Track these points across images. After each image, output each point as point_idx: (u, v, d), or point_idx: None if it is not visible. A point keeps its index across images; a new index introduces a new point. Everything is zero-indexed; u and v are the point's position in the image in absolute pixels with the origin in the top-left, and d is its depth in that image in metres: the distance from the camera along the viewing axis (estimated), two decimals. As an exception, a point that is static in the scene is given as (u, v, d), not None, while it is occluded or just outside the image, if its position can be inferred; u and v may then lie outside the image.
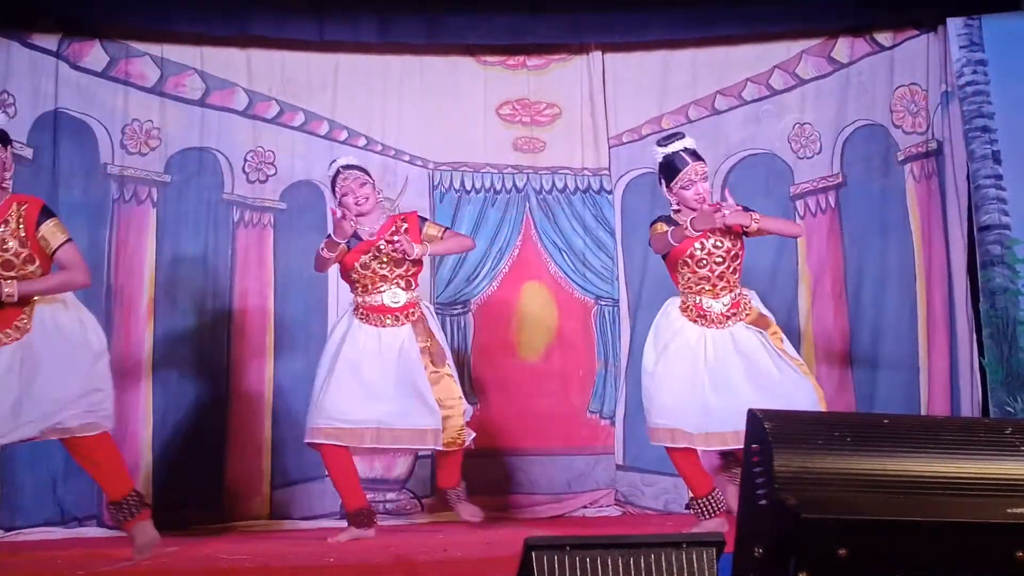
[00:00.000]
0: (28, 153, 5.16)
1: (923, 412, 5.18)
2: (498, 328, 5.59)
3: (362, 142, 5.58)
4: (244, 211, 5.43)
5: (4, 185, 3.84)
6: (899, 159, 5.50)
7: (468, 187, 5.63)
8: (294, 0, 5.36)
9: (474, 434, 4.57)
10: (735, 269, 4.37)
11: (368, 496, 5.29)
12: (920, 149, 5.46)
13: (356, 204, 4.47)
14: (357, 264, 4.46)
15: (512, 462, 5.48)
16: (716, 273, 4.33)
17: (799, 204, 5.59)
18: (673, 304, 4.43)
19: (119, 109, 5.31)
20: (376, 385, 4.40)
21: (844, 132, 5.56)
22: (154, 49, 5.38)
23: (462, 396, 4.51)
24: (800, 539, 1.86)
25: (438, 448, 4.46)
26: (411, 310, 4.50)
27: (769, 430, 1.97)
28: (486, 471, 5.42)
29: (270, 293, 5.44)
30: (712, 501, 4.30)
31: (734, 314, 4.35)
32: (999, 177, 5.06)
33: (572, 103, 5.72)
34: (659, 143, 4.46)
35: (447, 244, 4.64)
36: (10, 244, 3.75)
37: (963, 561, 1.91)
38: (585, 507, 5.45)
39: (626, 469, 5.53)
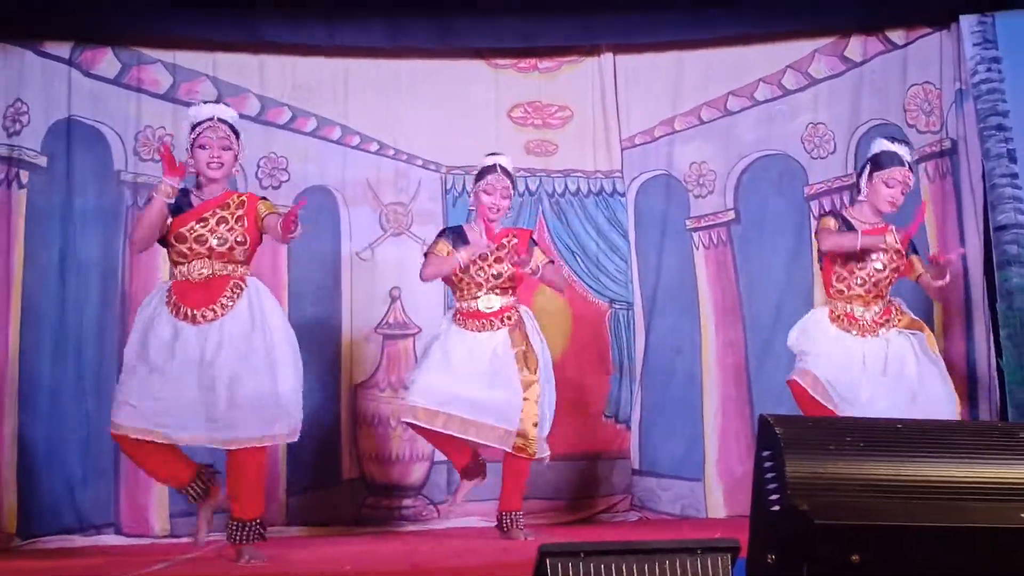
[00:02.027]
0: (42, 161, 5.18)
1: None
2: (512, 332, 5.56)
3: (374, 147, 5.58)
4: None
5: (236, 173, 4.17)
6: (913, 158, 5.45)
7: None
8: (305, 5, 5.37)
9: (548, 453, 4.55)
10: (891, 282, 4.40)
11: (383, 503, 5.35)
12: (934, 148, 5.42)
13: (491, 210, 4.52)
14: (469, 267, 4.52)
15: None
16: (872, 281, 4.35)
17: (813, 204, 5.56)
18: (822, 312, 4.44)
19: (132, 116, 5.33)
20: (462, 375, 4.45)
21: (858, 131, 5.52)
22: (166, 56, 5.39)
23: (541, 410, 4.47)
24: (813, 545, 1.85)
25: (506, 449, 4.45)
26: (507, 314, 4.55)
27: (780, 435, 1.96)
28: (500, 478, 5.42)
29: (284, 299, 5.43)
30: None
31: (887, 321, 4.36)
32: (1015, 176, 5.02)
33: (584, 105, 5.71)
34: (888, 137, 4.53)
35: (555, 277, 4.73)
36: (232, 235, 3.94)
37: (977, 567, 1.89)
38: (601, 512, 5.44)
39: (642, 474, 5.51)
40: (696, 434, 5.52)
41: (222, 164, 3.97)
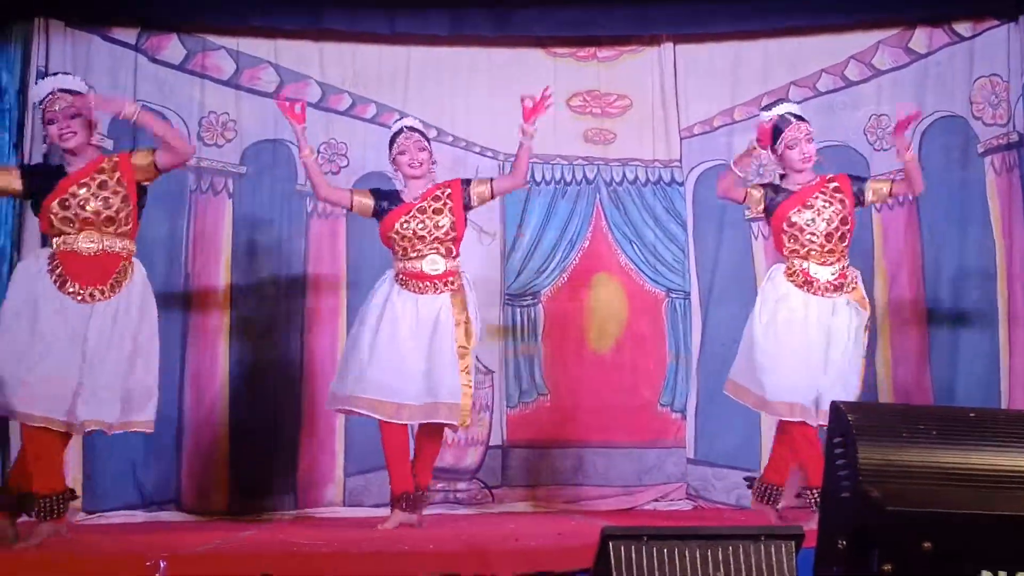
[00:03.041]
0: (108, 144, 5.23)
1: (1003, 407, 5.08)
2: (568, 320, 5.59)
3: (432, 133, 5.56)
4: (317, 202, 5.47)
5: (95, 142, 4.00)
6: (979, 151, 5.39)
7: (538, 179, 5.62)
8: (366, -7, 5.42)
9: (468, 424, 4.51)
10: (844, 236, 4.34)
11: (439, 485, 5.39)
12: (1001, 141, 5.34)
13: (409, 165, 4.47)
14: (397, 225, 4.45)
15: (582, 454, 5.47)
16: (824, 236, 4.29)
17: (875, 197, 5.49)
18: (778, 270, 4.41)
19: (196, 101, 5.41)
20: (409, 359, 4.37)
21: (923, 124, 5.44)
22: (230, 42, 5.47)
23: (471, 380, 4.43)
24: (884, 531, 1.84)
25: (452, 423, 4.42)
26: (450, 278, 4.46)
27: (853, 422, 1.95)
28: (556, 463, 5.44)
29: (342, 283, 5.49)
30: None
31: (840, 285, 4.32)
32: (1082, 170, 4.94)
33: (643, 94, 5.69)
34: (762, 108, 4.50)
35: (502, 183, 4.65)
36: (112, 201, 3.87)
37: (1051, 556, 1.88)
38: (656, 500, 5.44)
39: (697, 463, 5.50)
40: (752, 424, 5.48)
41: (75, 132, 3.89)
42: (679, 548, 2.38)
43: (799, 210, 4.31)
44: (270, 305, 5.41)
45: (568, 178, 5.67)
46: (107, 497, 5.05)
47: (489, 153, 5.65)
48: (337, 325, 5.43)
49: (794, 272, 4.34)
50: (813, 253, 4.31)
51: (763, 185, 4.44)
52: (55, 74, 4.25)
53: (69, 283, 3.84)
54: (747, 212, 5.57)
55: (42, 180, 3.92)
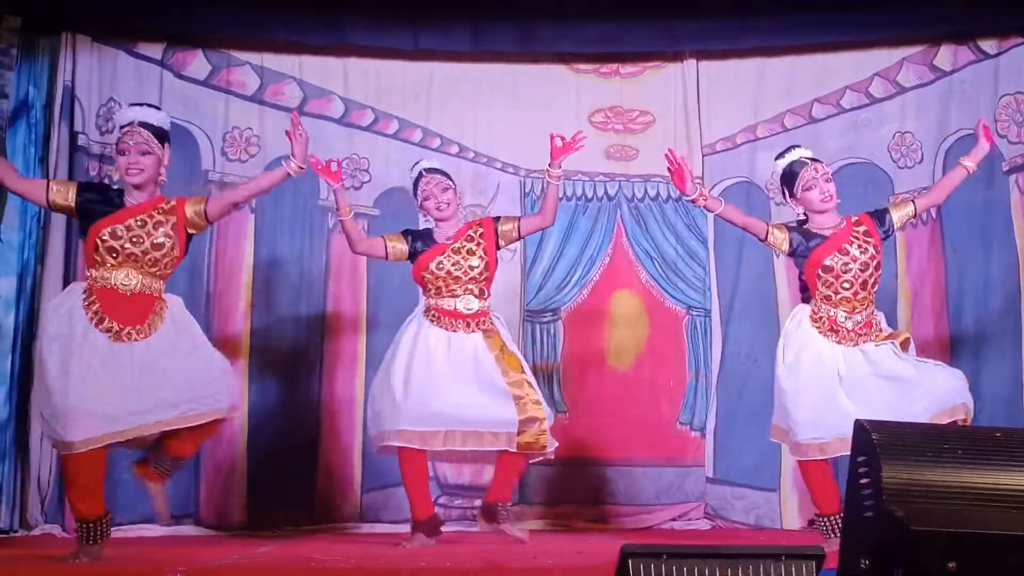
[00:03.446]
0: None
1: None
2: (588, 337, 5.57)
3: (455, 149, 5.63)
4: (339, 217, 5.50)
5: (162, 180, 3.95)
6: (1004, 169, 5.35)
7: (560, 195, 5.60)
8: (390, 10, 5.43)
9: (556, 444, 4.47)
10: (875, 282, 4.27)
11: (456, 503, 5.37)
12: (1026, 159, 5.31)
13: (437, 209, 4.49)
14: (432, 265, 4.46)
15: (601, 472, 5.45)
16: (859, 284, 4.22)
17: (899, 215, 5.46)
18: (804, 312, 4.31)
19: (220, 117, 5.45)
20: (449, 387, 4.35)
21: (947, 141, 5.43)
22: (254, 58, 5.51)
23: (542, 402, 4.41)
24: (908, 551, 1.82)
25: (510, 450, 4.38)
26: (482, 319, 4.46)
27: (876, 441, 1.93)
28: (574, 480, 5.41)
29: (362, 299, 5.51)
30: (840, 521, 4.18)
31: (866, 333, 4.24)
32: (1107, 189, 4.90)
33: (665, 111, 5.69)
34: (776, 158, 4.43)
35: (529, 223, 4.59)
36: (163, 243, 3.85)
37: (1080, 579, 1.84)
38: (674, 519, 5.40)
39: (716, 482, 5.46)
40: (772, 444, 5.39)
41: (141, 170, 3.84)
42: (699, 567, 2.36)
43: (835, 256, 4.22)
44: (290, 320, 5.42)
45: (589, 194, 5.67)
46: (125, 511, 5.03)
47: (511, 169, 5.66)
48: (358, 336, 5.45)
49: (820, 318, 4.26)
50: (844, 301, 4.23)
51: (788, 227, 4.33)
52: (142, 105, 4.17)
53: (106, 320, 3.78)
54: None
55: (99, 203, 3.86)
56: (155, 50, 5.41)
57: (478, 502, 5.37)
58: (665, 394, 5.53)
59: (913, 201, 4.43)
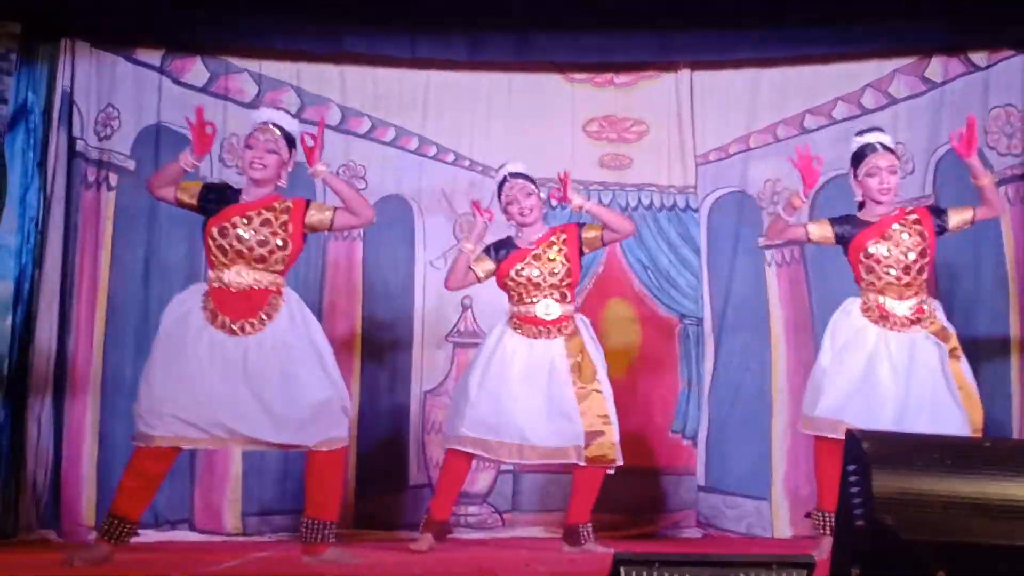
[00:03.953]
0: (131, 165, 5.36)
1: (1016, 437, 5.06)
2: (582, 345, 5.58)
3: (451, 157, 5.66)
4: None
5: (281, 183, 4.03)
6: (994, 181, 5.38)
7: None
8: (387, 19, 5.46)
9: (614, 459, 4.49)
10: (923, 269, 4.28)
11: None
12: (1016, 171, 5.34)
13: (520, 214, 4.54)
14: (512, 272, 4.52)
15: (594, 479, 5.46)
16: (902, 268, 4.24)
17: (890, 225, 5.50)
18: (854, 303, 4.34)
19: (218, 124, 5.38)
20: (523, 400, 4.41)
21: (937, 152, 5.47)
22: (253, 65, 5.54)
23: (609, 413, 4.45)
24: (899, 561, 1.85)
25: (580, 464, 4.43)
26: (565, 323, 4.51)
27: (868, 450, 1.96)
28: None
29: (358, 306, 5.53)
30: None
31: (918, 319, 4.26)
32: (1095, 201, 4.94)
33: (659, 120, 5.73)
34: (857, 133, 4.46)
35: (610, 218, 4.60)
36: (269, 240, 3.90)
37: (1067, 588, 1.88)
38: (666, 527, 5.42)
39: (708, 491, 5.49)
40: (763, 453, 5.49)
41: (264, 166, 3.94)
42: (691, 574, 2.39)
43: (877, 241, 4.25)
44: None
45: (583, 203, 5.68)
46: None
47: (506, 177, 5.68)
48: (352, 348, 5.46)
49: (869, 308, 4.27)
50: (890, 287, 4.25)
51: (831, 220, 4.37)
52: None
53: (220, 317, 3.85)
54: (760, 240, 5.60)
55: (215, 203, 3.94)
56: (154, 57, 5.43)
57: (472, 509, 5.41)
58: (657, 402, 5.56)
59: (974, 209, 4.38)
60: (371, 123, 5.64)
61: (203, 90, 5.46)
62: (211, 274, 3.95)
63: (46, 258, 5.14)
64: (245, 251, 3.90)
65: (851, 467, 2.01)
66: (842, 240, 4.35)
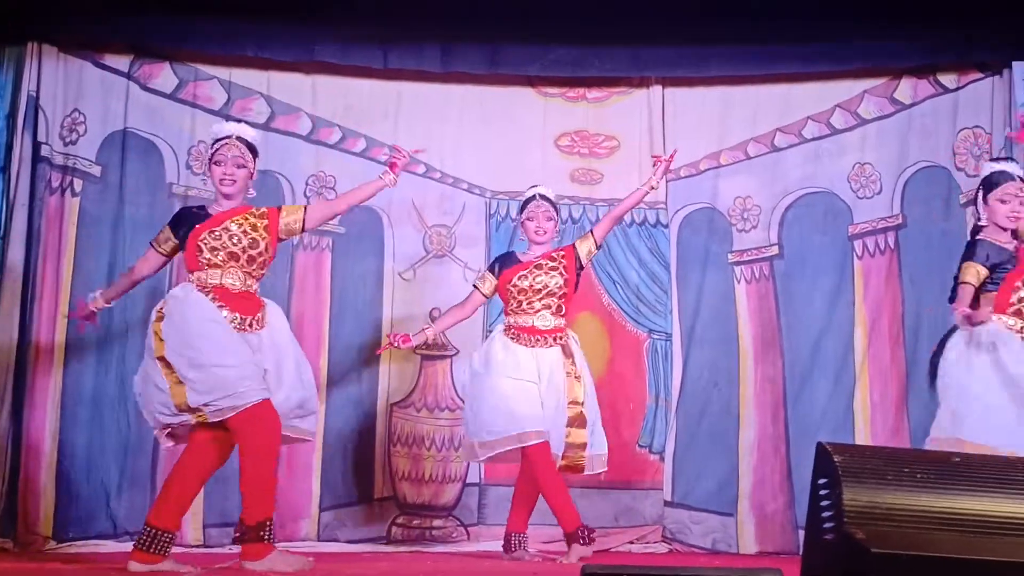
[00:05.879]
0: (96, 171, 5.29)
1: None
2: (550, 359, 5.57)
3: (421, 169, 5.63)
4: (303, 234, 5.46)
5: (251, 193, 4.16)
6: (961, 202, 5.44)
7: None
8: (360, 28, 5.44)
9: (605, 469, 4.73)
10: None
11: (414, 522, 5.36)
12: (982, 192, 5.39)
13: (535, 232, 4.74)
14: (514, 279, 4.69)
15: (560, 493, 5.44)
16: None
17: (857, 244, 5.55)
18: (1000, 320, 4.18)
19: (186, 130, 5.42)
20: (532, 393, 4.58)
21: (905, 173, 5.53)
22: (222, 73, 5.49)
23: (588, 429, 4.63)
24: (868, 574, 1.84)
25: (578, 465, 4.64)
26: (559, 335, 4.70)
27: (838, 464, 1.95)
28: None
29: (326, 316, 5.49)
30: None
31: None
32: (1063, 222, 4.97)
33: (631, 136, 5.74)
34: (991, 159, 4.55)
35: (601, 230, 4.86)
36: (258, 243, 4.04)
37: (1036, 603, 1.88)
38: (631, 542, 5.41)
39: (674, 506, 5.48)
40: (730, 468, 5.49)
41: (234, 181, 4.06)
42: (660, 587, 2.37)
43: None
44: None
45: (554, 217, 5.68)
46: (79, 526, 4.99)
47: (476, 190, 5.68)
48: (319, 358, 5.40)
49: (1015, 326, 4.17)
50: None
51: (986, 266, 4.21)
52: (239, 120, 4.44)
53: (227, 312, 3.96)
54: (730, 256, 5.62)
55: (187, 226, 4.05)
56: (122, 62, 5.38)
57: (437, 522, 5.38)
58: (625, 417, 5.55)
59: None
60: (342, 133, 5.61)
61: (171, 96, 5.42)
62: (200, 275, 4.00)
63: (7, 264, 5.06)
64: (238, 251, 4.02)
65: (821, 480, 2.01)
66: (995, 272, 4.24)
